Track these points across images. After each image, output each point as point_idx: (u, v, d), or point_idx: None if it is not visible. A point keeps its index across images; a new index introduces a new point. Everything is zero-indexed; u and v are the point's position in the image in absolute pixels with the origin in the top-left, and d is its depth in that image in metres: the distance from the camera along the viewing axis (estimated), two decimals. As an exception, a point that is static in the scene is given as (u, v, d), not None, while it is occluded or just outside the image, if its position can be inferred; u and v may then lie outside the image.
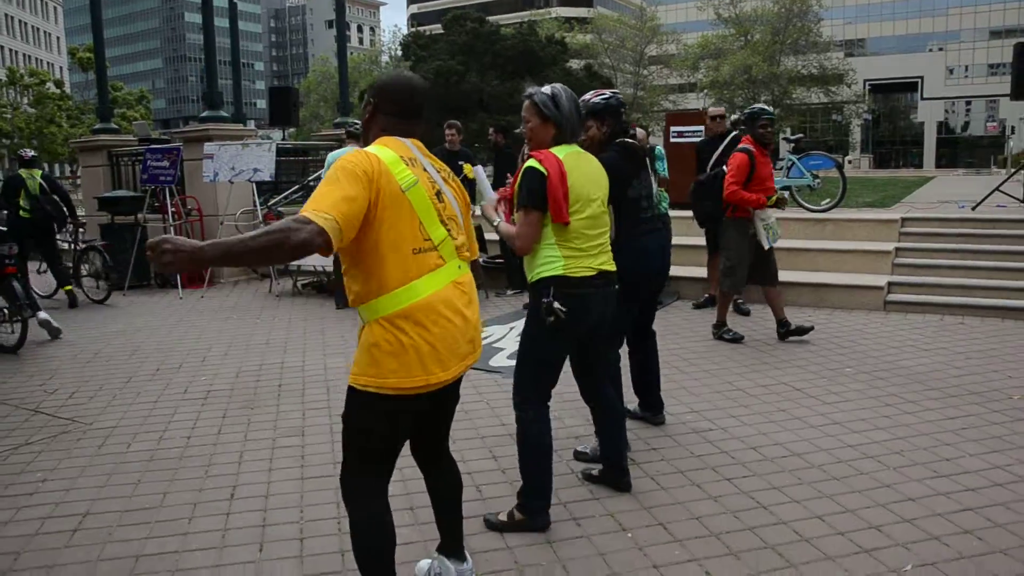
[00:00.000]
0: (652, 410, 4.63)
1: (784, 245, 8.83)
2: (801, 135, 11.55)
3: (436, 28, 51.27)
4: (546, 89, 3.23)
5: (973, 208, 10.07)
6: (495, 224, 3.44)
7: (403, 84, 2.53)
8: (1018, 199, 10.30)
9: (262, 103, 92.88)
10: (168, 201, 10.18)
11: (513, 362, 3.90)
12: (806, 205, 10.09)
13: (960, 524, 3.30)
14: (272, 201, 11.20)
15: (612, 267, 3.36)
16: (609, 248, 3.39)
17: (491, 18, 49.84)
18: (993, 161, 54.12)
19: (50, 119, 56.94)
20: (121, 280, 10.21)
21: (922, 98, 70.91)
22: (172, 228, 10.22)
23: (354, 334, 7.16)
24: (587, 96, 4.00)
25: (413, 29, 62.27)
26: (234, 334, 7.44)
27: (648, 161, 4.20)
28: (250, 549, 3.24)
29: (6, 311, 7.05)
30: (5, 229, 7.26)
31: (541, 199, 3.14)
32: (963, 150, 70.24)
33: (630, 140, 4.04)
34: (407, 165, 2.37)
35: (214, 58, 11.69)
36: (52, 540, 3.36)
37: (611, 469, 3.71)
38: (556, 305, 3.14)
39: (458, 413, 3.10)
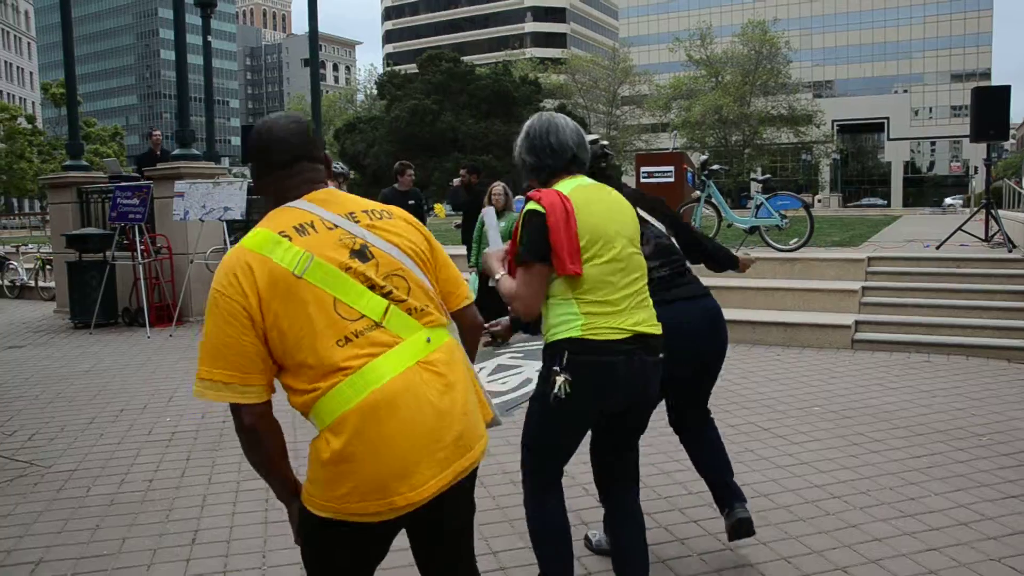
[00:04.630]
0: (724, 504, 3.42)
1: (753, 284, 8.96)
2: (769, 175, 11.75)
3: (411, 67, 51.80)
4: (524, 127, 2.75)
5: (937, 247, 10.24)
6: (496, 279, 2.71)
7: (258, 133, 1.96)
8: (980, 238, 10.51)
9: (237, 140, 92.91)
10: (137, 239, 10.10)
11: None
12: (774, 245, 10.22)
13: (925, 565, 3.30)
14: (243, 239, 11.14)
15: (654, 328, 2.62)
16: (651, 303, 2.68)
17: (466, 58, 50.51)
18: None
19: (20, 154, 56.57)
20: (88, 317, 10.09)
21: (888, 138, 72.59)
22: (141, 266, 10.13)
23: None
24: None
25: (389, 68, 62.74)
26: (201, 374, 7.34)
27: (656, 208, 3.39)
28: (209, 597, 3.18)
29: None
30: None
31: (543, 248, 2.51)
32: (929, 189, 71.81)
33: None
34: (293, 237, 1.81)
35: (186, 96, 11.69)
36: (4, 589, 3.28)
37: None
38: (560, 379, 2.49)
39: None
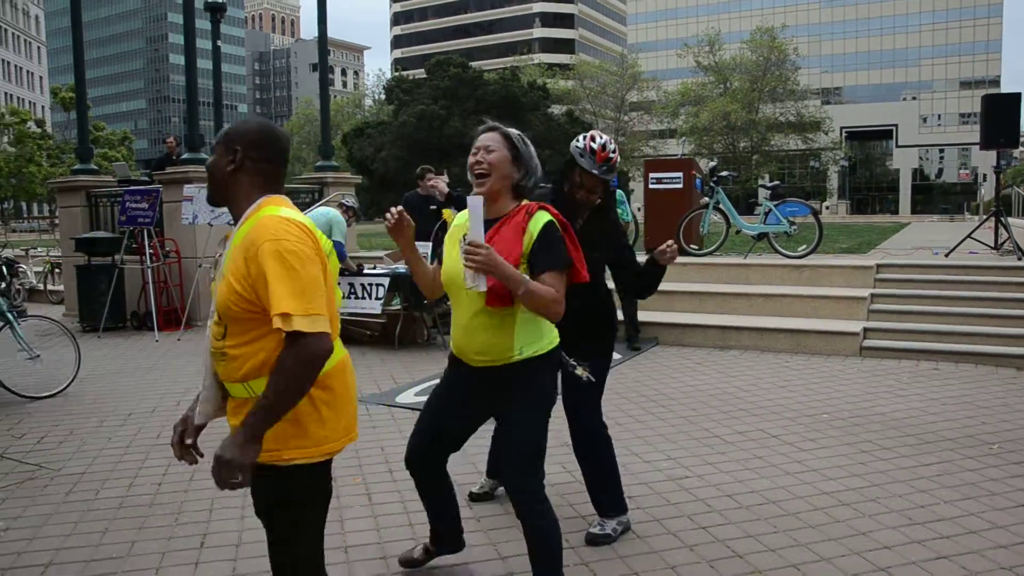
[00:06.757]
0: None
1: (761, 291, 8.95)
2: (778, 182, 11.70)
3: (420, 73, 51.89)
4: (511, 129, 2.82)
5: (946, 255, 10.21)
6: (525, 282, 2.57)
7: (271, 130, 2.23)
8: (989, 246, 10.47)
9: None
10: (146, 243, 10.14)
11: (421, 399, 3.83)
12: (783, 251, 10.19)
13: (934, 572, 3.29)
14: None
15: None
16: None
17: (474, 64, 50.59)
18: (966, 208, 55.08)
19: (29, 158, 56.77)
20: (96, 321, 10.13)
21: (897, 145, 72.41)
22: (150, 270, 10.16)
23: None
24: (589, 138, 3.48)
25: (397, 73, 62.89)
26: (210, 377, 7.34)
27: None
28: (218, 600, 3.18)
29: None
30: None
31: (570, 257, 2.77)
32: (938, 196, 71.56)
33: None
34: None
35: (195, 100, 11.73)
36: (14, 591, 3.28)
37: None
38: (581, 369, 3.27)
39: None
